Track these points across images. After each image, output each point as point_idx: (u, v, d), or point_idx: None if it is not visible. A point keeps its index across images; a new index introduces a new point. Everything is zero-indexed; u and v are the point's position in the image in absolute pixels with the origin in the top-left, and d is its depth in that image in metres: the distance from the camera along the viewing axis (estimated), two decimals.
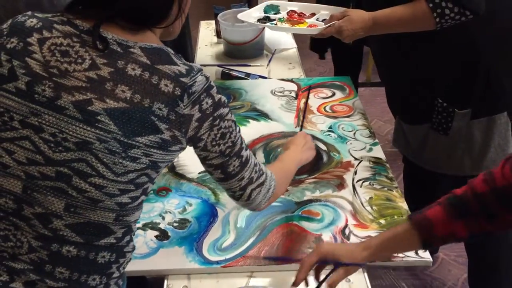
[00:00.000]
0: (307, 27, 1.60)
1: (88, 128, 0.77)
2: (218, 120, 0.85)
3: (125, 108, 0.77)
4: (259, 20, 1.70)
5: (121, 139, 0.78)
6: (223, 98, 0.87)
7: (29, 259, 0.80)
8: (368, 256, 0.95)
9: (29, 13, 0.83)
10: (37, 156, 0.78)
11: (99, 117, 0.77)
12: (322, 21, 1.59)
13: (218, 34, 2.27)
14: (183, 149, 0.86)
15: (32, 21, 0.81)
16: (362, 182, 1.34)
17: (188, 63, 0.84)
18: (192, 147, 0.88)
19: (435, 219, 0.89)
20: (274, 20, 1.69)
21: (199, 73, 0.83)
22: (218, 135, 0.86)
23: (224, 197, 1.29)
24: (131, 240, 0.90)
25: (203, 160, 0.91)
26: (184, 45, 2.50)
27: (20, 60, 0.78)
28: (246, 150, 0.93)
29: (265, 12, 1.75)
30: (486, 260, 1.59)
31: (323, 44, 2.49)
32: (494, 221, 0.86)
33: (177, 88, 0.80)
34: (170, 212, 1.24)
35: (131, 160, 0.79)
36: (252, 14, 1.74)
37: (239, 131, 0.92)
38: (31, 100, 0.77)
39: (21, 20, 0.82)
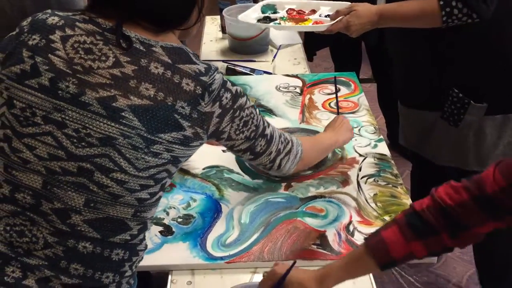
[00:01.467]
0: (312, 24, 1.59)
1: (112, 124, 0.78)
2: (239, 111, 0.89)
3: (149, 105, 0.78)
4: (259, 21, 1.69)
5: (145, 135, 0.79)
6: (239, 89, 0.90)
7: (44, 255, 0.80)
8: (319, 285, 0.90)
9: (49, 11, 0.84)
10: (59, 152, 0.78)
11: (123, 113, 0.78)
12: (326, 16, 1.58)
13: (223, 29, 2.26)
14: (202, 143, 0.88)
15: (53, 19, 0.82)
16: (367, 179, 1.33)
17: (205, 62, 0.85)
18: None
19: (391, 242, 0.85)
20: (275, 19, 1.67)
21: (216, 72, 0.86)
22: (241, 124, 0.90)
23: (228, 193, 1.29)
24: (144, 238, 0.90)
25: (231, 148, 0.95)
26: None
27: (43, 56, 0.78)
28: (269, 127, 0.98)
29: (263, 12, 1.74)
30: (495, 260, 1.58)
31: (315, 45, 2.48)
32: (458, 236, 0.83)
33: (198, 87, 0.82)
34: (174, 208, 1.24)
35: (153, 156, 0.81)
36: (251, 15, 1.72)
37: (259, 112, 0.96)
38: (54, 96, 0.78)
39: (42, 17, 0.82)
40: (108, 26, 0.80)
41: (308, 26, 1.60)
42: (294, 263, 0.92)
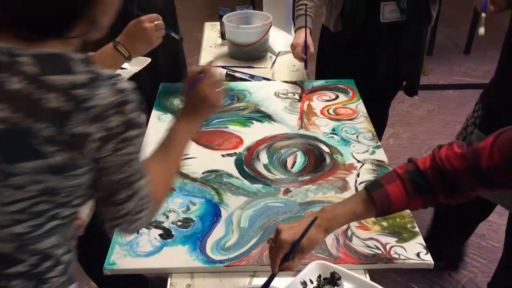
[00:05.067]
0: None
1: None
2: (127, 143, 0.73)
3: (3, 130, 0.67)
4: None
5: (1, 166, 0.68)
6: (140, 119, 0.75)
7: None
8: (328, 234, 0.96)
9: None
10: None
11: None
12: None
13: (222, 35, 2.28)
14: (92, 170, 0.74)
15: None
16: (365, 185, 1.34)
17: (98, 71, 0.71)
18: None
19: (395, 196, 0.92)
20: None
21: (106, 85, 0.70)
22: (120, 161, 0.75)
23: (228, 197, 1.30)
24: (58, 264, 0.82)
25: (95, 178, 0.77)
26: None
27: None
28: (140, 180, 0.81)
29: None
30: None
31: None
32: (452, 196, 0.90)
33: (68, 102, 0.67)
34: (174, 211, 1.25)
35: (16, 188, 0.70)
36: None
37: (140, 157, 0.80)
38: None
39: None
40: None
41: None
42: (315, 219, 0.92)
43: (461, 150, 0.89)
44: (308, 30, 1.83)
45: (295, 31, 1.90)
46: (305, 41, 1.80)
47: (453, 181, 0.89)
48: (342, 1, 1.84)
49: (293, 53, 1.87)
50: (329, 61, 2.03)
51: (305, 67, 1.88)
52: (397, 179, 0.92)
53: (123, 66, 1.63)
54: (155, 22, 1.26)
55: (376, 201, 0.92)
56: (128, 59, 1.24)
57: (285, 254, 0.94)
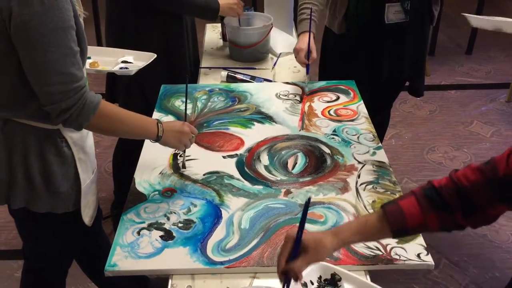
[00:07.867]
0: None
1: None
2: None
3: None
4: None
5: None
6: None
7: None
8: (338, 243, 0.94)
9: None
10: None
11: None
12: None
13: (224, 37, 2.29)
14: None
15: None
16: (366, 186, 1.35)
17: None
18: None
19: (408, 211, 0.90)
20: None
21: None
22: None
23: (228, 198, 1.30)
24: None
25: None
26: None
27: None
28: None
29: None
30: None
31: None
32: (471, 216, 0.88)
33: None
34: (175, 213, 1.25)
35: None
36: None
37: None
38: None
39: None
40: None
41: None
42: (309, 199, 0.91)
43: (478, 165, 0.89)
44: (312, 35, 1.83)
45: (298, 35, 1.91)
46: (308, 46, 1.81)
47: (471, 198, 0.87)
48: (346, 3, 1.84)
49: (295, 57, 1.87)
50: (332, 62, 2.04)
51: (307, 72, 1.88)
52: (411, 196, 0.92)
53: (129, 60, 1.66)
54: (193, 135, 1.34)
55: (389, 215, 0.91)
56: (156, 140, 1.28)
57: (290, 255, 0.93)
